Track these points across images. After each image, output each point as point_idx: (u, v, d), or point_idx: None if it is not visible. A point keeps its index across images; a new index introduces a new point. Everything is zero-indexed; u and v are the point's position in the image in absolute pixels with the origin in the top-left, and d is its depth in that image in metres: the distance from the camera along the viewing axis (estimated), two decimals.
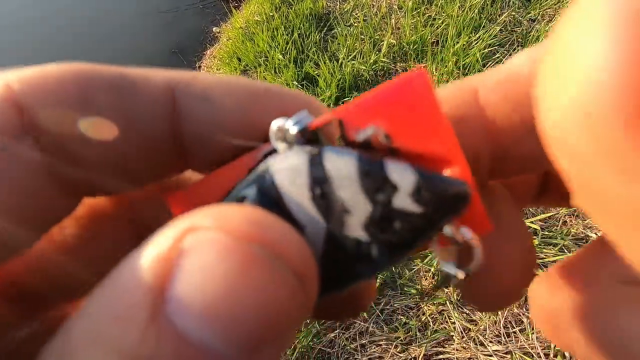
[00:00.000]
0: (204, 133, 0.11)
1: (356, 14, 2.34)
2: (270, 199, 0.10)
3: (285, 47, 2.16)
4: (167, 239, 0.08)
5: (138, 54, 2.96)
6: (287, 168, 0.10)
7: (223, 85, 0.11)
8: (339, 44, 2.15)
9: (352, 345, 1.24)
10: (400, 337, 1.24)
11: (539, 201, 0.17)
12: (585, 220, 1.46)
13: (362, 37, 2.16)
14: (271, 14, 2.42)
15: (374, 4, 2.38)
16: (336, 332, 1.27)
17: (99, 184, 0.11)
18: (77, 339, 0.08)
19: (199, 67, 2.77)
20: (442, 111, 0.11)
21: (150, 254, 0.08)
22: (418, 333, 1.24)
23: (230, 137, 0.11)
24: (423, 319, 1.27)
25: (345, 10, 2.40)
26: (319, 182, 0.10)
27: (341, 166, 0.10)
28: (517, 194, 0.16)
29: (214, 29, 3.03)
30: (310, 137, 0.11)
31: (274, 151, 0.11)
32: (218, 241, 0.08)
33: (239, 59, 2.32)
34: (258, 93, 0.11)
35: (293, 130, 0.11)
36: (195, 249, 0.08)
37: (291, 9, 2.42)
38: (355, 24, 2.26)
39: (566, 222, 1.45)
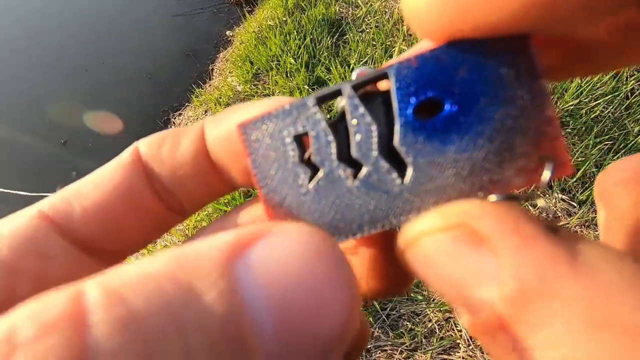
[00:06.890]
0: (220, 158, 0.16)
1: (368, 20, 2.36)
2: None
3: (298, 52, 2.18)
4: (261, 224, 0.09)
5: (153, 55, 3.01)
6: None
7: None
8: (350, 49, 2.17)
9: None
10: (405, 343, 1.23)
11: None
12: (596, 230, 1.44)
13: (374, 43, 2.17)
14: (284, 18, 2.45)
15: (386, 10, 2.39)
16: None
17: (184, 205, 0.17)
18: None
19: (212, 69, 2.81)
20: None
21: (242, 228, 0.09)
22: (424, 339, 1.24)
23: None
24: (429, 326, 1.26)
25: (358, 16, 2.41)
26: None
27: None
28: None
29: (227, 32, 3.08)
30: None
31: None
32: (307, 232, 0.09)
33: (252, 63, 2.34)
34: None
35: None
36: (282, 232, 0.09)
37: (304, 14, 2.45)
38: (367, 30, 2.28)
39: (577, 232, 1.44)
